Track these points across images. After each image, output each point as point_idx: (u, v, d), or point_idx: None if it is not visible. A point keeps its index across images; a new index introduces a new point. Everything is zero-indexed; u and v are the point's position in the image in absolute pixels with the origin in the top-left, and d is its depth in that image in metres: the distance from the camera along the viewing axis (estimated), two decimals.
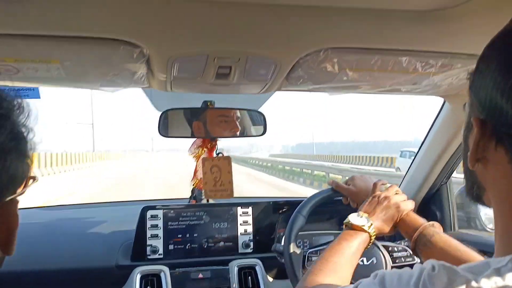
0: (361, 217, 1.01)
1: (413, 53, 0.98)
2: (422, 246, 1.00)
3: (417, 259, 1.25)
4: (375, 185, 1.13)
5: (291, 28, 0.87)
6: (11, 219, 0.50)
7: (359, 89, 1.17)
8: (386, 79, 1.10)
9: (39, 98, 1.24)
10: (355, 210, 1.56)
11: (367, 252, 1.23)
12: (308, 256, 1.22)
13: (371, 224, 1.00)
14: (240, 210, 1.53)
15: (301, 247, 1.28)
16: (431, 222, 1.03)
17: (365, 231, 0.98)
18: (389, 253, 1.25)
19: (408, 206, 1.07)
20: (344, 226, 1.02)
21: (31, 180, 0.55)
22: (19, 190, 0.51)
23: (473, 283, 0.47)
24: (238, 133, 1.41)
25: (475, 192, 0.58)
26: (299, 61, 1.00)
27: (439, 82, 1.11)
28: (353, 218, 1.01)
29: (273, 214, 1.60)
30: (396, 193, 1.09)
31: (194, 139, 1.45)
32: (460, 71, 1.04)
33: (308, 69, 1.04)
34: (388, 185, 1.15)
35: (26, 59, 0.95)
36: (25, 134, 0.50)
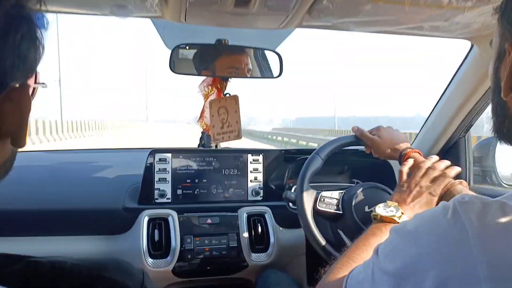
0: (389, 207, 0.92)
1: None
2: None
3: None
4: (401, 172, 1.04)
5: None
6: (24, 105, 0.45)
7: (385, 25, 1.10)
8: (417, 13, 1.03)
9: (45, 28, 1.16)
10: (371, 164, 1.53)
11: (382, 201, 1.20)
12: (320, 197, 1.19)
13: (402, 214, 0.90)
14: (250, 157, 1.49)
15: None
16: (458, 180, 0.98)
17: (396, 222, 0.88)
18: None
19: (443, 182, 0.96)
20: (373, 218, 0.94)
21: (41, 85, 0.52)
22: (30, 81, 0.47)
23: (509, 205, 0.47)
24: (251, 74, 1.35)
25: (507, 127, 0.56)
26: None
27: (472, 19, 1.04)
28: (380, 209, 0.92)
29: (284, 163, 1.57)
30: (426, 173, 0.99)
31: (204, 77, 1.39)
32: (494, 7, 0.97)
33: None
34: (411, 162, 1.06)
35: None
36: (33, 16, 0.46)
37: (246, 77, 1.36)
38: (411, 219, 0.56)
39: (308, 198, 1.17)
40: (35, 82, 0.51)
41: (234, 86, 1.42)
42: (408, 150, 1.12)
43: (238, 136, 1.34)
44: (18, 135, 0.46)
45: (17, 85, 0.43)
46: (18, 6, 0.43)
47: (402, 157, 1.12)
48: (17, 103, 0.44)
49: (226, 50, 1.35)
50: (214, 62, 1.37)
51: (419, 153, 1.12)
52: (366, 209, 1.18)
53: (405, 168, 1.05)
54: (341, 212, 1.19)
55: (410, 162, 1.07)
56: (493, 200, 0.48)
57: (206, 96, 1.38)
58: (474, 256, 0.44)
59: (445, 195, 0.95)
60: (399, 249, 0.54)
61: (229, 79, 1.36)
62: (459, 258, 0.46)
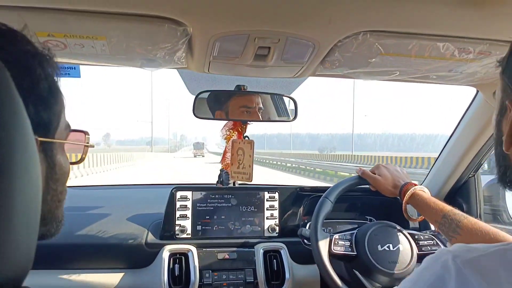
0: None
1: (451, 39, 0.98)
2: (451, 233, 0.99)
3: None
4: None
5: (333, 10, 0.88)
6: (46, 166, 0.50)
7: (393, 75, 1.18)
8: (422, 65, 1.10)
9: (80, 77, 1.28)
10: (383, 201, 1.57)
11: (393, 239, 1.24)
12: (334, 240, 1.24)
13: None
14: (267, 194, 1.56)
15: (327, 231, 1.30)
16: (419, 186, 1.10)
17: None
18: (415, 241, 1.26)
19: None
20: None
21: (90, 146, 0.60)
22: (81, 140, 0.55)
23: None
24: (262, 113, 1.44)
25: (509, 177, 0.58)
26: (337, 44, 1.01)
27: (475, 69, 1.11)
28: None
29: (299, 200, 1.62)
30: None
31: (226, 121, 1.48)
32: (498, 59, 1.04)
33: (345, 52, 1.05)
34: None
35: (75, 34, 0.98)
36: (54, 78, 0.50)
37: (260, 120, 1.44)
38: (412, 285, 0.50)
39: (323, 243, 1.22)
40: (86, 143, 0.60)
41: None
42: (406, 184, 1.17)
43: (249, 179, 1.42)
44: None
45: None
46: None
47: (401, 192, 1.17)
48: (43, 164, 0.49)
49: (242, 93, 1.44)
50: (227, 103, 1.46)
51: (415, 185, 1.17)
52: (379, 248, 1.22)
53: (404, 204, 1.14)
54: (355, 253, 1.23)
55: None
56: (492, 251, 0.46)
57: (228, 139, 1.47)
58: None
59: (447, 224, 1.00)
60: None
61: (249, 122, 1.44)
62: None
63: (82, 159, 0.63)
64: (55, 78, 0.50)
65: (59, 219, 0.55)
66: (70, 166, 0.56)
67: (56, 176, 0.51)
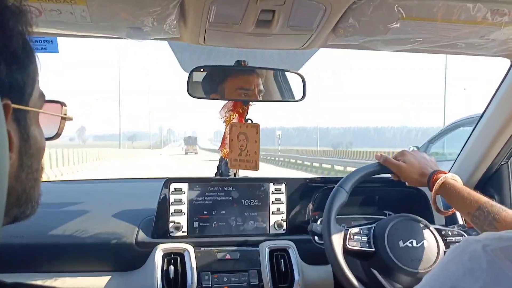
0: None
1: None
2: (487, 226, 0.92)
3: None
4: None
5: None
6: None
7: (416, 43, 1.04)
8: (449, 30, 0.97)
9: (57, 52, 1.16)
10: (404, 193, 1.44)
11: (417, 234, 1.13)
12: (349, 234, 1.12)
13: None
14: (272, 186, 1.41)
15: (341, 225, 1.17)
16: (450, 174, 1.01)
17: None
18: (442, 237, 1.15)
19: None
20: None
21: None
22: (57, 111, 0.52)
23: None
24: (263, 96, 1.29)
25: None
26: (351, 6, 0.89)
27: (510, 35, 0.97)
28: None
29: (309, 193, 1.48)
30: None
31: (225, 101, 1.33)
32: None
33: (361, 16, 0.93)
34: None
35: None
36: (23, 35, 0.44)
37: (262, 100, 1.29)
38: (435, 280, 0.46)
39: (336, 237, 1.10)
40: (64, 114, 0.55)
41: None
42: (436, 172, 1.05)
43: (255, 168, 1.27)
44: None
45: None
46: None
47: (430, 181, 1.05)
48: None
49: (240, 72, 1.30)
50: (223, 84, 1.32)
51: (445, 173, 1.05)
52: (401, 244, 1.10)
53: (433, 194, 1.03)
54: (373, 249, 1.11)
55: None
56: None
57: (227, 122, 1.33)
58: None
59: (483, 217, 0.93)
60: None
61: (251, 103, 1.30)
62: None
63: (58, 135, 0.56)
64: (27, 36, 0.44)
65: (35, 199, 0.50)
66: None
67: (30, 151, 0.46)
